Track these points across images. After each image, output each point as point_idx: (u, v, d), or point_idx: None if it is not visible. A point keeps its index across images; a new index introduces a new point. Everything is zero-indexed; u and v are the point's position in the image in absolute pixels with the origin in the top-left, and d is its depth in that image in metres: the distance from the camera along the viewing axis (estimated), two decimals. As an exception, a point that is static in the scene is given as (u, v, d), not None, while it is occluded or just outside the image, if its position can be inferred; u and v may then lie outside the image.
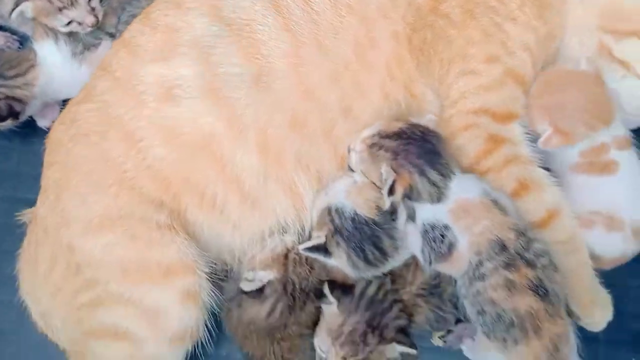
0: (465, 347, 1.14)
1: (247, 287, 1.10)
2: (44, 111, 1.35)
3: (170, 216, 1.06)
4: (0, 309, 1.23)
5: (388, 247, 1.05)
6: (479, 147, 1.11)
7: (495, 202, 1.03)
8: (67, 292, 1.07)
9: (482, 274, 1.01)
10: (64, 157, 1.10)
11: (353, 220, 1.03)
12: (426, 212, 1.04)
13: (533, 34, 1.13)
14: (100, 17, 1.29)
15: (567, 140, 1.13)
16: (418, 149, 1.01)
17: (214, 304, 1.09)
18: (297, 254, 1.12)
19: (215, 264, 1.10)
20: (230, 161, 1.06)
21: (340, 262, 1.07)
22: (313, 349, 1.15)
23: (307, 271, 1.12)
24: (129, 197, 1.05)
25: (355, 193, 1.05)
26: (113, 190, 1.05)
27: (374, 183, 1.05)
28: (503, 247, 1.00)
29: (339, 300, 1.12)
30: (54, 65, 1.31)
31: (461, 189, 1.04)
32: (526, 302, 0.98)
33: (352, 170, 1.10)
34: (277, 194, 1.09)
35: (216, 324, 1.12)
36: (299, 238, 1.15)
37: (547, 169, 1.15)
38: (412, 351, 1.13)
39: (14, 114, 1.28)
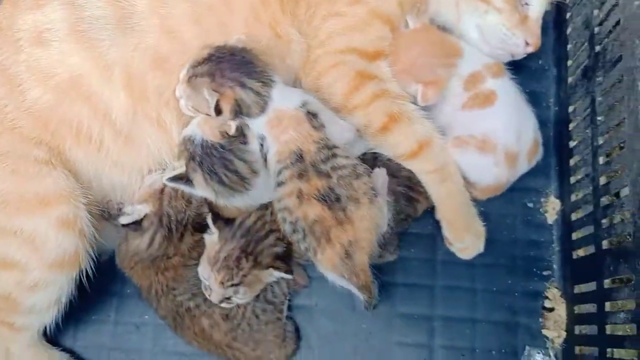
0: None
1: (124, 220, 1.17)
2: None
3: (49, 153, 1.13)
4: None
5: (243, 170, 1.10)
6: (346, 84, 1.16)
7: (313, 116, 1.08)
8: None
9: (281, 181, 1.07)
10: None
11: (202, 146, 1.08)
12: (255, 126, 1.10)
13: None
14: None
15: (438, 87, 1.19)
16: (230, 64, 1.06)
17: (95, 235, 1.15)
18: (173, 188, 1.17)
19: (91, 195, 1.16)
20: (100, 99, 1.12)
21: (202, 189, 1.12)
22: (199, 279, 1.21)
23: (183, 204, 1.18)
24: (10, 136, 1.12)
25: (204, 122, 1.10)
26: None
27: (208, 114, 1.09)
28: (300, 158, 1.05)
29: (220, 230, 1.19)
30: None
31: (282, 98, 1.09)
32: (314, 210, 1.03)
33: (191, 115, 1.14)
34: (147, 129, 1.15)
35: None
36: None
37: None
38: (288, 276, 1.20)
39: None
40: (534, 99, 1.29)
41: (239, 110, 1.07)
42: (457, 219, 1.22)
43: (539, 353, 1.22)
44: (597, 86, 1.17)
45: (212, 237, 1.20)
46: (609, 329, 1.07)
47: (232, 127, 1.07)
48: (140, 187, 1.20)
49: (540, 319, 1.26)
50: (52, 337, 1.23)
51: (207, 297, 1.19)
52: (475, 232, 1.23)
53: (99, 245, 1.22)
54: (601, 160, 1.14)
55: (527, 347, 1.23)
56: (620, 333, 1.08)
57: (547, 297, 1.26)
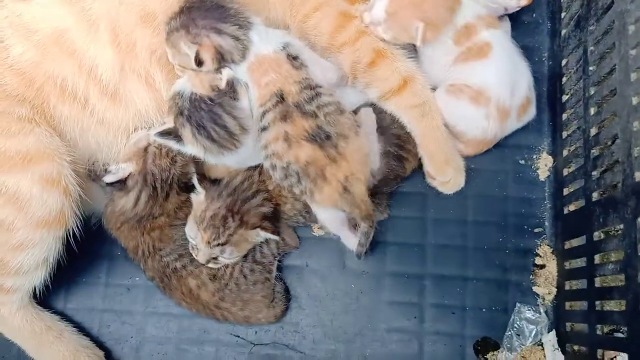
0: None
1: (109, 178, 1.16)
2: None
3: (32, 111, 1.11)
4: None
5: (233, 127, 1.09)
6: (331, 23, 1.16)
7: (294, 58, 1.06)
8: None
9: (264, 126, 1.05)
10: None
11: (191, 100, 1.07)
12: (240, 75, 1.08)
13: None
14: None
15: (437, 30, 1.17)
16: (201, 12, 1.04)
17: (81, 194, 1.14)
18: (158, 147, 1.16)
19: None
20: (85, 55, 1.11)
21: (191, 146, 1.11)
22: (186, 240, 1.21)
23: (168, 163, 1.17)
24: None
25: (194, 76, 1.08)
26: None
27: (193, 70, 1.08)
28: (282, 99, 1.03)
29: (207, 190, 1.18)
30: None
31: (262, 41, 1.07)
32: (306, 152, 1.02)
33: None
34: (135, 86, 1.13)
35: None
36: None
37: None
38: (275, 237, 1.19)
39: None
40: (528, 53, 1.26)
41: (221, 59, 1.05)
42: (438, 152, 1.22)
43: (529, 310, 1.21)
44: (589, 35, 1.14)
45: (199, 197, 1.19)
46: (598, 282, 1.06)
47: (223, 80, 1.05)
48: (126, 146, 1.18)
49: (531, 276, 1.24)
50: (44, 300, 1.23)
51: (195, 257, 1.18)
52: (456, 166, 1.24)
53: (89, 208, 1.23)
54: (592, 111, 1.11)
55: (517, 305, 1.22)
56: (609, 285, 1.06)
57: (538, 255, 1.25)
